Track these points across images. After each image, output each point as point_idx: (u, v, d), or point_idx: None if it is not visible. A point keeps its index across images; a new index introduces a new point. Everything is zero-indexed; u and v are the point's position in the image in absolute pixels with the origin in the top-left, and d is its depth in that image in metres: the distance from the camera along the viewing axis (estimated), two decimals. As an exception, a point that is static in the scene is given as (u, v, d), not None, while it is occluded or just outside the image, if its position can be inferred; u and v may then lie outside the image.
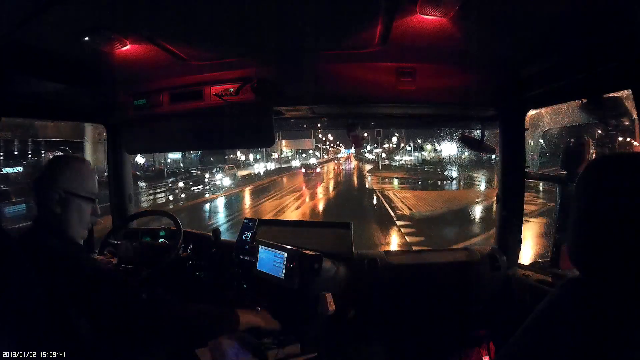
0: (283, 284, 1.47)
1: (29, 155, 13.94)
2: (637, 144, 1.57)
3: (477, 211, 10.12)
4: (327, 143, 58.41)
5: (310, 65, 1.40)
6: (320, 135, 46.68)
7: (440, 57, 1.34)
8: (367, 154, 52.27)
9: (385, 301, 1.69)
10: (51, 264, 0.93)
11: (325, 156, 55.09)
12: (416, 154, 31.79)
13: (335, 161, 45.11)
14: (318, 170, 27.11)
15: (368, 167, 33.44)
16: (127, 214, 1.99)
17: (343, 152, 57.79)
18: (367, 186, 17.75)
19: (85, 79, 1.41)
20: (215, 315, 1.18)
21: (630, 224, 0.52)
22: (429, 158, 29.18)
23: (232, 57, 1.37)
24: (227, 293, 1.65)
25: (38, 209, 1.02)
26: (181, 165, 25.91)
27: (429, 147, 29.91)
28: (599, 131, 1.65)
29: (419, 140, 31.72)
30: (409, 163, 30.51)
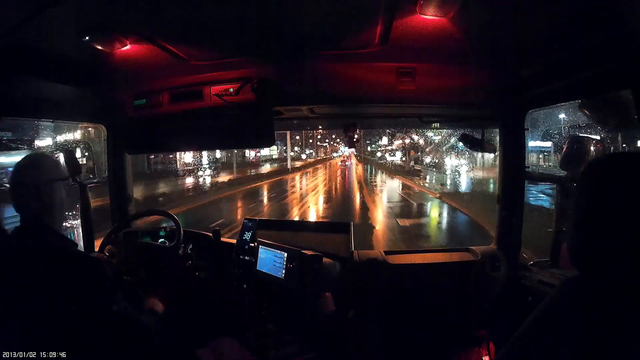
0: (283, 284, 1.47)
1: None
2: None
3: None
4: (319, 137, 48.83)
5: (310, 66, 1.40)
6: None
7: (440, 57, 1.33)
8: (378, 154, 37.95)
9: (385, 301, 1.69)
10: (50, 261, 0.93)
11: (304, 156, 43.30)
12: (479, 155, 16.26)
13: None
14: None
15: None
16: (127, 214, 2.00)
17: (342, 151, 46.67)
18: None
19: (85, 79, 1.41)
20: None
21: (630, 223, 0.52)
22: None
23: (232, 57, 1.36)
24: (227, 293, 1.65)
25: (22, 208, 1.01)
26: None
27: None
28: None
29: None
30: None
